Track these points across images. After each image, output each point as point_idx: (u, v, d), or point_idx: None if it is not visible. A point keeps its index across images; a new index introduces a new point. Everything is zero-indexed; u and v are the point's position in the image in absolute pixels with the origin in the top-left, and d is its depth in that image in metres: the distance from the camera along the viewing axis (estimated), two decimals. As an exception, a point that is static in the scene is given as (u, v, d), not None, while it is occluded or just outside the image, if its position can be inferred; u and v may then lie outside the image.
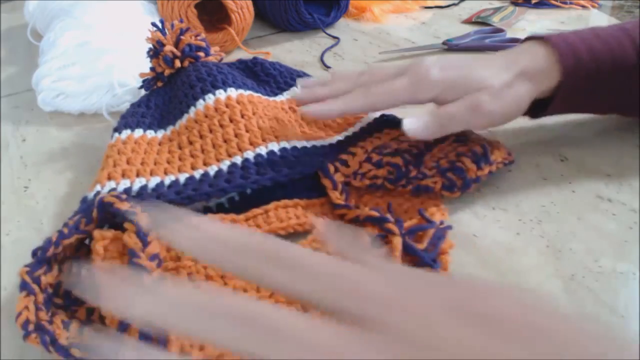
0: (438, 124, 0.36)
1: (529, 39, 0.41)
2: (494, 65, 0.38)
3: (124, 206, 0.29)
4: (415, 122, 0.36)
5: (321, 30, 0.71)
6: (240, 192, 0.36)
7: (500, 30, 0.67)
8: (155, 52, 0.46)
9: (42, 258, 0.28)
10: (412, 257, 0.29)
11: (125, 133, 0.41)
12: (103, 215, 0.30)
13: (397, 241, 0.29)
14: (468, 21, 0.74)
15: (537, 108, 0.39)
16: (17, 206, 0.40)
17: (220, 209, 0.36)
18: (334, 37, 0.69)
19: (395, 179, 0.35)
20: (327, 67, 0.60)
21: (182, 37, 0.46)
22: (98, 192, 0.35)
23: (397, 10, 0.79)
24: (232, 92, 0.42)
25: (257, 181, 0.35)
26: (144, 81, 0.48)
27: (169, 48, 0.45)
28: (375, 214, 0.32)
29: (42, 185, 0.42)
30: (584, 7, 0.78)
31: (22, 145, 0.48)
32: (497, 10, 0.76)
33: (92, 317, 0.28)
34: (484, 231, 0.34)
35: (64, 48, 0.53)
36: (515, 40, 0.63)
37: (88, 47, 0.53)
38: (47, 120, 0.52)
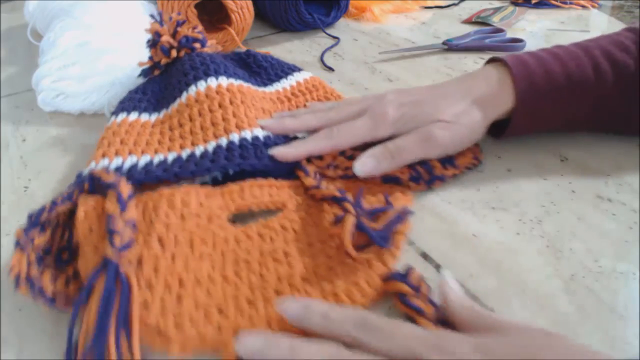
0: (389, 158, 0.37)
1: (491, 60, 0.42)
2: (449, 96, 0.40)
3: (110, 178, 0.32)
4: (366, 162, 0.37)
5: (321, 30, 0.71)
6: (223, 172, 0.38)
7: (500, 30, 0.67)
8: (154, 42, 0.48)
9: (36, 221, 0.31)
10: (365, 236, 0.31)
11: (121, 116, 0.43)
12: (93, 187, 0.33)
13: (349, 219, 0.31)
14: (468, 21, 0.74)
15: (499, 129, 0.41)
16: (17, 206, 0.40)
17: None
18: (334, 37, 0.69)
19: None
20: (327, 67, 0.60)
21: (179, 28, 0.48)
22: (92, 169, 0.37)
23: (397, 10, 0.79)
24: (223, 81, 0.44)
25: (239, 164, 0.37)
26: (142, 70, 0.50)
27: (166, 38, 0.48)
28: (337, 193, 0.34)
29: (42, 185, 0.42)
30: (584, 7, 0.78)
31: (22, 145, 0.48)
32: (497, 10, 0.76)
33: (78, 275, 0.30)
34: (484, 231, 0.34)
35: (64, 48, 0.53)
36: (515, 40, 0.64)
37: (88, 47, 0.53)
38: (47, 120, 0.52)
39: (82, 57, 0.52)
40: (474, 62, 0.60)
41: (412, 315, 0.27)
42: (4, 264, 0.34)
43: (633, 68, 0.39)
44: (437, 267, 0.32)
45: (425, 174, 0.38)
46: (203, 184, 0.37)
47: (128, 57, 0.53)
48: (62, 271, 0.31)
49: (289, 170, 0.38)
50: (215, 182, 0.38)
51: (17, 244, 0.30)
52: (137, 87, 0.48)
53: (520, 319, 0.28)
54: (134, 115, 0.44)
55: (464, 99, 0.39)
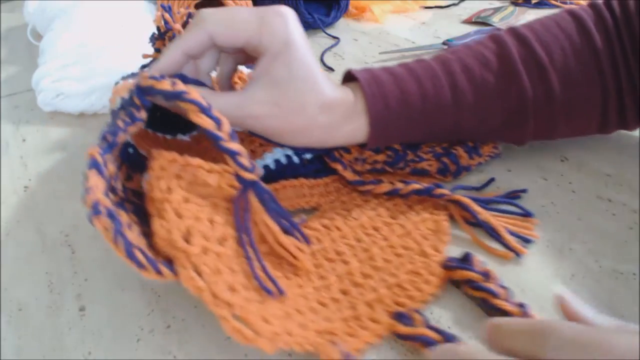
0: None
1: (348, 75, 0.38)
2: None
3: (165, 86, 0.27)
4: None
5: (321, 30, 0.71)
6: None
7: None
8: (160, 34, 0.47)
9: (113, 143, 0.26)
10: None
11: None
12: (145, 101, 0.28)
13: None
14: (468, 21, 0.74)
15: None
16: (17, 206, 0.40)
17: None
18: (334, 37, 0.69)
19: (394, 162, 0.38)
20: (327, 67, 0.60)
21: (189, 20, 0.48)
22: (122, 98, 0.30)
23: (397, 10, 0.79)
24: None
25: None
26: (146, 64, 0.46)
27: (177, 27, 0.47)
28: (419, 186, 0.35)
29: (42, 185, 0.42)
30: (584, 7, 0.78)
31: (22, 145, 0.48)
32: (497, 10, 0.76)
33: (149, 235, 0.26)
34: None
35: (64, 48, 0.53)
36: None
37: (88, 47, 0.53)
38: (47, 120, 0.52)
39: (82, 57, 0.52)
40: (474, 62, 0.60)
41: (486, 298, 0.28)
42: (4, 263, 0.34)
43: (492, 85, 0.36)
44: (437, 267, 0.32)
45: (451, 165, 0.38)
46: None
47: (128, 57, 0.53)
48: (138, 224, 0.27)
49: (317, 169, 0.38)
50: None
51: (94, 164, 0.25)
52: None
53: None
54: None
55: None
